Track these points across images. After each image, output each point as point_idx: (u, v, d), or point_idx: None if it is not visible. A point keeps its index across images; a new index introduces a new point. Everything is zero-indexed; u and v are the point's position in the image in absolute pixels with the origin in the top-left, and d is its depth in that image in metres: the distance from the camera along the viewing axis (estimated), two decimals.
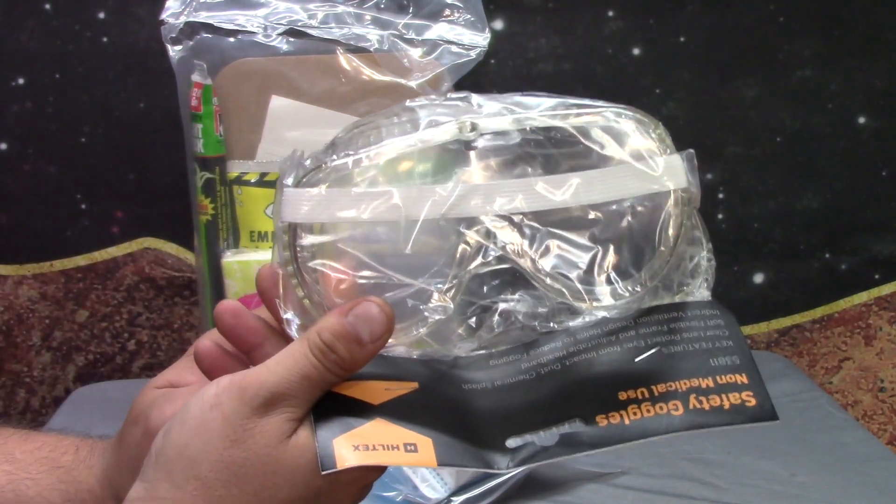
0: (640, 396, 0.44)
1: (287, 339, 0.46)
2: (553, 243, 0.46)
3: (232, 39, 0.84)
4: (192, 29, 0.84)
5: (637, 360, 0.45)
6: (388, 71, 0.84)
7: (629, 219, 0.47)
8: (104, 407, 1.04)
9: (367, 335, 0.42)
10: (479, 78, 1.18)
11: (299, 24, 0.84)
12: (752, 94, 1.24)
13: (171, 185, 1.14)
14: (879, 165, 1.28)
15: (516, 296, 0.47)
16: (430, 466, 0.42)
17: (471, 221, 0.44)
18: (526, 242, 0.45)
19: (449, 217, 0.43)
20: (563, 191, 0.44)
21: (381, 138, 0.43)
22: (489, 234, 0.44)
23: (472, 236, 0.44)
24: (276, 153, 0.84)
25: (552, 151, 0.45)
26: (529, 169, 0.45)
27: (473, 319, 0.47)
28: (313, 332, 0.42)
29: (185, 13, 0.83)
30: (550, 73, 1.20)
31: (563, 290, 0.46)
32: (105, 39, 1.15)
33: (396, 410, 0.42)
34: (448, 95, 0.46)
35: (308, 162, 0.43)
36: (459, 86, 0.86)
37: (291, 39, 0.85)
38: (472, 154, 0.44)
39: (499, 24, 1.19)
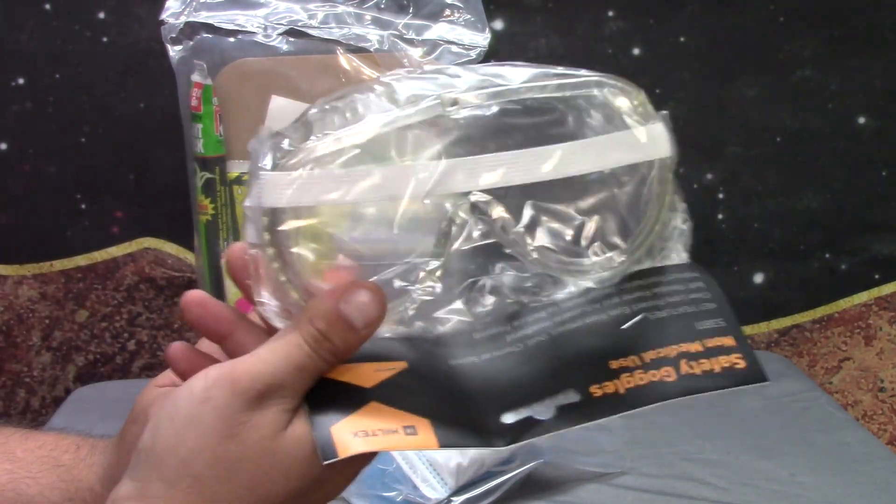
0: (631, 364, 0.43)
1: (263, 325, 0.45)
2: (538, 216, 0.45)
3: (232, 39, 0.84)
4: (192, 29, 0.84)
5: (623, 327, 0.44)
6: (389, 71, 0.84)
7: (613, 189, 0.46)
8: (104, 407, 1.04)
9: (361, 321, 0.41)
10: None
11: (299, 24, 0.84)
12: (752, 94, 1.24)
13: (171, 185, 1.14)
14: (879, 165, 1.28)
15: (503, 270, 0.46)
16: (431, 449, 0.41)
17: (455, 198, 0.43)
18: (511, 217, 0.44)
19: (433, 195, 0.42)
20: (547, 163, 0.43)
21: (360, 116, 0.42)
22: (474, 209, 0.43)
23: (457, 213, 0.43)
24: None
25: (533, 121, 0.44)
26: (510, 141, 0.43)
27: (463, 297, 0.46)
28: (305, 321, 0.41)
29: (185, 13, 0.83)
30: None
31: (549, 263, 0.45)
32: (105, 39, 1.15)
33: (390, 392, 0.41)
34: (423, 68, 0.45)
35: (285, 143, 0.42)
36: None
37: (291, 39, 0.85)
38: (453, 128, 0.43)
39: (499, 24, 1.19)
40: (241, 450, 0.39)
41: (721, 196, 1.26)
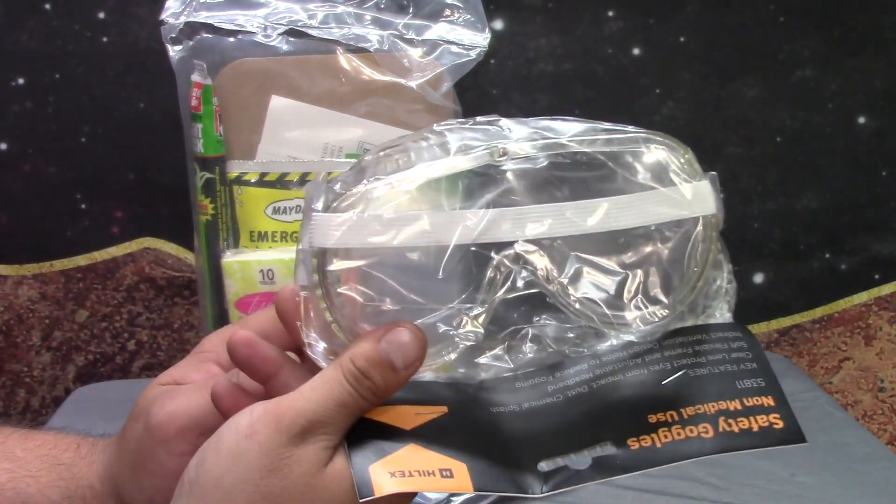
0: (669, 419, 0.44)
1: (307, 365, 0.46)
2: (582, 268, 0.46)
3: (232, 39, 0.84)
4: (192, 29, 0.84)
5: (664, 382, 0.45)
6: (388, 71, 0.84)
7: (657, 244, 0.47)
8: (104, 407, 1.04)
9: (401, 361, 0.42)
10: (479, 78, 1.19)
11: (299, 24, 0.84)
12: (752, 94, 1.24)
13: (171, 185, 1.14)
14: (879, 165, 1.28)
15: (545, 320, 0.47)
16: (466, 492, 0.42)
17: (500, 246, 0.44)
18: (555, 268, 0.45)
19: (479, 242, 0.43)
20: (592, 216, 0.44)
21: (412, 162, 0.43)
22: (518, 259, 0.44)
23: (502, 261, 0.44)
24: (276, 153, 0.84)
25: (580, 175, 0.45)
26: (558, 193, 0.45)
27: (504, 344, 0.47)
28: (347, 359, 0.42)
29: (185, 13, 0.83)
30: (550, 73, 1.20)
31: (592, 315, 0.46)
32: (105, 39, 1.15)
33: (429, 435, 0.42)
34: (476, 119, 0.46)
35: (337, 186, 0.43)
36: (459, 86, 0.86)
37: (291, 39, 0.85)
38: (501, 178, 0.44)
39: (499, 24, 1.19)
40: (284, 484, 0.40)
41: (721, 196, 1.26)
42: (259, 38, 0.84)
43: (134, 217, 1.20)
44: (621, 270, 0.46)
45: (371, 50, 0.85)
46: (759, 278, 1.30)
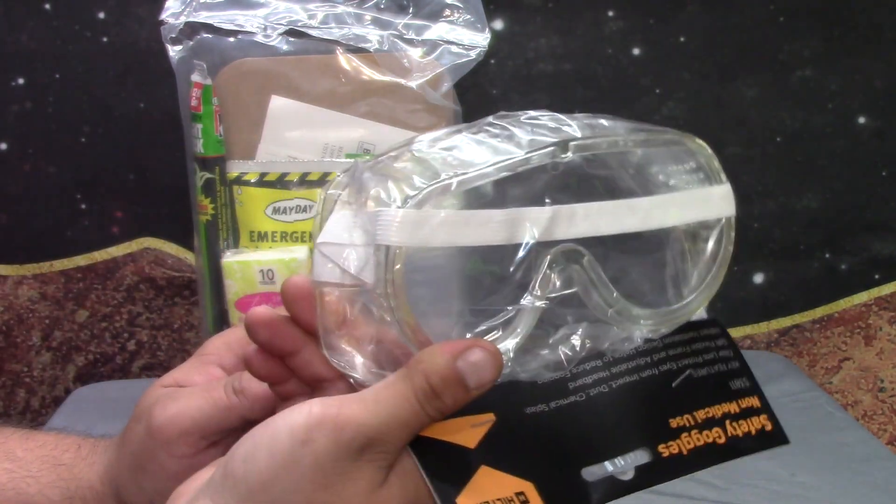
0: (687, 424, 0.44)
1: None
2: (615, 267, 0.45)
3: (232, 39, 0.84)
4: (192, 29, 0.84)
5: (674, 384, 0.45)
6: (388, 71, 0.84)
7: (685, 243, 0.48)
8: (104, 407, 1.04)
9: (475, 382, 0.40)
10: (479, 78, 1.19)
11: (299, 24, 0.84)
12: (752, 94, 1.24)
13: (171, 185, 1.14)
14: (879, 165, 1.28)
15: (581, 321, 0.46)
16: None
17: (551, 245, 0.43)
18: (592, 268, 0.44)
19: (541, 241, 0.42)
20: (635, 215, 0.44)
21: (482, 158, 0.41)
22: (567, 257, 0.44)
23: (556, 259, 0.43)
24: (276, 153, 0.84)
25: (611, 173, 0.45)
26: (593, 191, 0.44)
27: (549, 347, 0.46)
28: (419, 374, 0.39)
29: (185, 13, 0.83)
30: (550, 73, 1.20)
31: (630, 313, 0.45)
32: (105, 39, 1.15)
33: (492, 453, 0.41)
34: (528, 113, 0.45)
35: (407, 183, 0.41)
36: (459, 86, 0.86)
37: (291, 39, 0.85)
38: (555, 175, 0.43)
39: (499, 24, 1.19)
40: (335, 501, 0.38)
41: None
42: (259, 38, 0.84)
43: (134, 217, 1.20)
44: (644, 267, 0.46)
45: (371, 50, 0.85)
46: (759, 278, 1.30)
